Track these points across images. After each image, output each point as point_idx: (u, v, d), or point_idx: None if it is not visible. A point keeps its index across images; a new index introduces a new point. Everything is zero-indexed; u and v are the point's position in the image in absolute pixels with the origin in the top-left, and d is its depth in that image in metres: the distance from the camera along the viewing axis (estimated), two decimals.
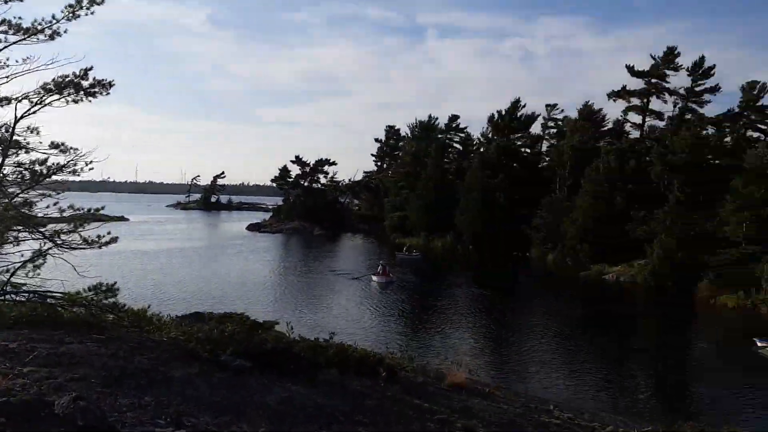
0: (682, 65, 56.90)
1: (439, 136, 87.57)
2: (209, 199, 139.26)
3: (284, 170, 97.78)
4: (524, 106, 73.24)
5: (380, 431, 5.70)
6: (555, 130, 75.90)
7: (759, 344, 24.18)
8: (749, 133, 58.84)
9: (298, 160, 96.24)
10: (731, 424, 12.20)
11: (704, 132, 54.20)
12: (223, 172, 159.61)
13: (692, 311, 34.80)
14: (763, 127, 58.60)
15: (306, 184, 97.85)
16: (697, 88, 57.18)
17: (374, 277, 39.01)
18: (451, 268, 53.69)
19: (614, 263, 47.88)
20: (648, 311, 36.61)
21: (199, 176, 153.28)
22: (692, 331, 30.24)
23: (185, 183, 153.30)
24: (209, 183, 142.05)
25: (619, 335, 27.51)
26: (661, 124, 61.81)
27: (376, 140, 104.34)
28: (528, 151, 75.77)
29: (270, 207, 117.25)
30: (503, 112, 73.31)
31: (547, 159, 73.25)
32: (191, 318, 14.03)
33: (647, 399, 17.65)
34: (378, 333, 23.34)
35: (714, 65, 56.49)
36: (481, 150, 76.92)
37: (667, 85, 58.33)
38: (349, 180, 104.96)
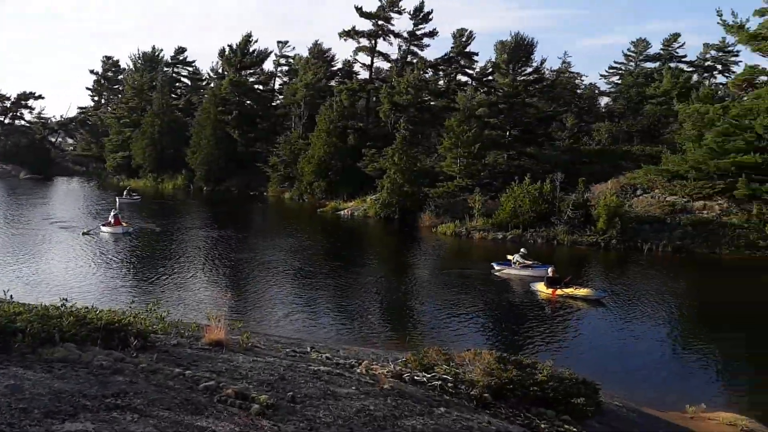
0: (405, 9, 59.98)
1: (165, 69, 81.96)
2: None
3: None
4: (256, 41, 71.60)
5: (140, 413, 4.87)
6: (287, 68, 75.81)
7: (496, 267, 27.23)
8: (459, 77, 65.11)
9: None
10: (474, 346, 13.54)
11: (424, 74, 58.53)
12: None
13: (419, 240, 37.90)
14: (470, 72, 65.10)
15: (7, 121, 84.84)
16: (418, 32, 60.97)
17: (105, 228, 34.59)
18: (186, 210, 51.32)
19: (348, 199, 50.03)
20: (381, 243, 39.11)
21: None
22: (421, 259, 32.88)
23: None
24: None
25: (357, 268, 28.85)
26: (388, 65, 65.17)
27: (92, 72, 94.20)
28: (261, 87, 74.67)
29: None
30: (234, 47, 70.83)
31: (280, 96, 73.07)
32: None
33: (391, 328, 18.76)
34: (117, 292, 20.90)
35: (432, 11, 60.55)
36: (212, 85, 73.84)
37: (392, 28, 61.21)
38: (61, 116, 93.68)
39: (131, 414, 4.79)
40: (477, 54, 64.11)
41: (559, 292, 22.43)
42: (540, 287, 23.31)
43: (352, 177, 52.15)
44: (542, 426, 8.32)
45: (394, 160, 45.00)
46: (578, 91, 70.63)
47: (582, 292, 22.29)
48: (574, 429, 8.57)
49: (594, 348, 17.07)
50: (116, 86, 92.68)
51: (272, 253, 31.39)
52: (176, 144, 67.86)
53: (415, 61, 60.92)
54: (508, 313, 21.29)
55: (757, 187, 35.77)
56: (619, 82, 73.36)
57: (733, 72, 63.96)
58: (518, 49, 50.50)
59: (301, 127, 60.64)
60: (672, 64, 68.40)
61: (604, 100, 74.34)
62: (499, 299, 23.10)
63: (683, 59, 71.16)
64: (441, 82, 63.21)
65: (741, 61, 66.36)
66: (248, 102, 70.83)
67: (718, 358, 17.33)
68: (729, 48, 66.70)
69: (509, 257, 27.41)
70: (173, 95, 79.03)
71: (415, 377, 9.36)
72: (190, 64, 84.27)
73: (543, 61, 54.38)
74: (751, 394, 14.66)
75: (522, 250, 27.63)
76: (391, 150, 46.27)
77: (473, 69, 64.86)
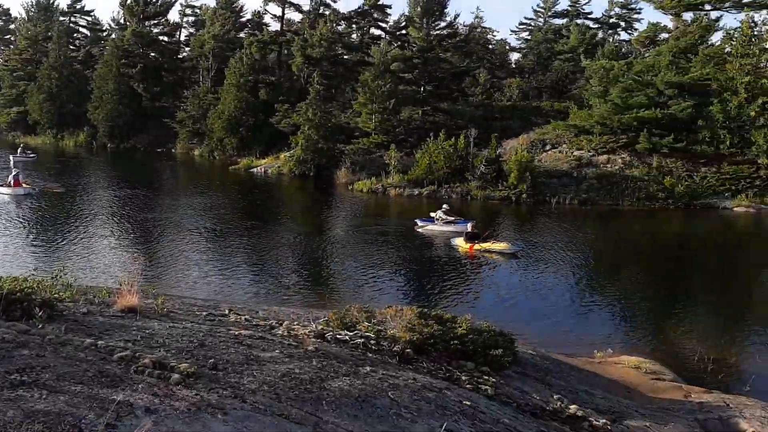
0: None
1: (62, 18, 76.58)
2: None
3: None
4: None
5: (50, 389, 4.56)
6: (194, 19, 72.56)
7: (420, 224, 27.41)
8: (373, 30, 64.30)
9: None
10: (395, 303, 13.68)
11: (337, 27, 57.45)
12: None
13: (336, 197, 37.72)
14: (383, 25, 64.38)
15: None
16: None
17: (3, 189, 31.96)
18: (91, 169, 48.77)
19: (261, 156, 48.99)
20: (297, 201, 38.62)
21: None
22: (339, 216, 32.72)
23: None
24: None
25: (273, 226, 28.41)
26: (300, 17, 63.45)
27: None
28: (166, 39, 71.16)
29: None
30: None
31: (187, 49, 69.96)
32: None
33: (311, 287, 18.57)
34: (19, 259, 19.25)
35: None
36: (113, 36, 69.71)
37: None
38: None
39: (39, 390, 4.47)
40: (390, 7, 63.45)
41: (477, 246, 22.91)
42: (459, 242, 23.72)
43: (264, 133, 51.01)
44: (463, 378, 8.50)
45: (309, 116, 44.25)
46: (490, 46, 71.39)
47: (499, 246, 22.84)
48: (493, 379, 8.80)
49: (509, 299, 17.64)
50: (8, 36, 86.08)
51: (184, 212, 30.42)
52: (77, 99, 63.93)
53: (327, 13, 59.57)
54: (429, 269, 21.49)
55: (656, 141, 37.67)
56: (529, 38, 74.59)
57: (636, 29, 66.44)
58: (432, 3, 50.29)
59: (209, 80, 58.39)
60: (579, 21, 70.07)
61: (514, 56, 75.60)
62: (419, 255, 23.30)
63: (589, 16, 73.03)
64: (354, 36, 62.25)
65: (643, 19, 69.12)
66: (153, 54, 67.40)
67: (622, 304, 18.33)
68: (632, 5, 68.99)
69: (432, 214, 27.66)
70: (71, 47, 74.06)
71: (338, 336, 9.33)
72: (88, 13, 79.09)
73: (456, 16, 54.69)
74: (652, 338, 15.63)
75: (444, 206, 27.93)
76: (305, 105, 45.45)
77: (387, 22, 64.19)
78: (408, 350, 9.10)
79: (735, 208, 35.11)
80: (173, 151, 58.23)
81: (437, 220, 27.02)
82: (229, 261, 21.13)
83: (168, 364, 5.23)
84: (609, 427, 8.32)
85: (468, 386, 8.29)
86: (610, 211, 34.83)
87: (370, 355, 8.49)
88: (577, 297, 18.46)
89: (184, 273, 19.03)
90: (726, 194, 36.15)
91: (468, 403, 6.28)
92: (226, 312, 10.49)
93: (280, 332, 8.85)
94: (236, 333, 6.83)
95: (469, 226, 24.00)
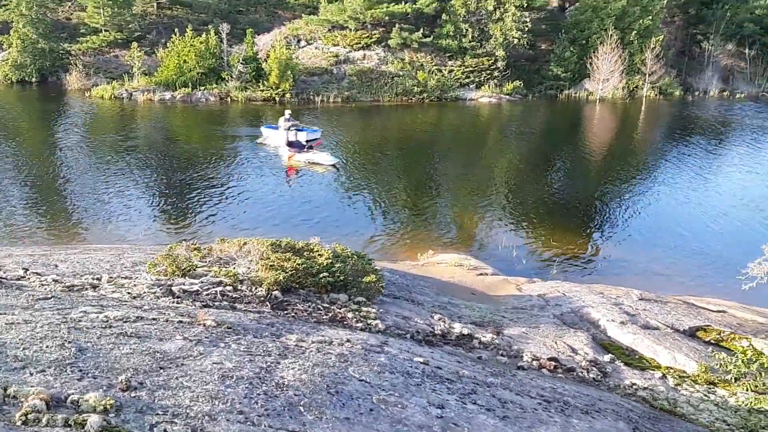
0: None
1: None
2: None
3: None
4: None
5: None
6: None
7: (264, 131, 24.61)
8: None
9: None
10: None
11: None
12: None
13: (70, 107, 32.24)
14: None
15: None
16: None
17: None
18: None
19: None
20: (25, 114, 31.91)
21: None
22: (83, 128, 27.64)
23: None
24: None
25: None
26: None
27: None
28: None
29: None
30: None
31: None
32: None
33: (82, 219, 15.44)
34: None
35: None
36: None
37: None
38: None
39: None
40: None
41: (298, 157, 21.25)
42: (283, 153, 21.95)
43: None
44: (349, 316, 7.60)
45: (21, 10, 36.82)
46: None
47: (320, 157, 21.17)
48: (373, 311, 8.04)
49: (324, 213, 16.49)
50: None
51: None
52: None
53: None
54: (243, 186, 18.63)
55: (407, 36, 38.46)
56: None
57: None
58: None
59: None
60: None
61: None
62: (226, 172, 20.24)
63: None
64: None
65: None
66: None
67: (414, 202, 18.46)
68: None
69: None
70: None
71: (184, 287, 7.71)
72: None
73: None
74: (454, 233, 16.01)
75: (287, 111, 24.77)
76: None
77: None
78: (275, 292, 7.89)
79: (480, 99, 37.82)
80: None
81: (281, 126, 24.09)
82: None
83: (67, 397, 3.39)
84: (496, 340, 8.14)
85: (358, 325, 7.42)
86: (372, 107, 35.22)
87: (239, 306, 7.16)
88: (370, 201, 17.88)
89: None
90: (471, 86, 38.68)
91: (420, 359, 5.37)
92: (22, 273, 8.02)
93: (110, 292, 6.97)
94: (100, 317, 4.96)
95: (291, 135, 22.33)
